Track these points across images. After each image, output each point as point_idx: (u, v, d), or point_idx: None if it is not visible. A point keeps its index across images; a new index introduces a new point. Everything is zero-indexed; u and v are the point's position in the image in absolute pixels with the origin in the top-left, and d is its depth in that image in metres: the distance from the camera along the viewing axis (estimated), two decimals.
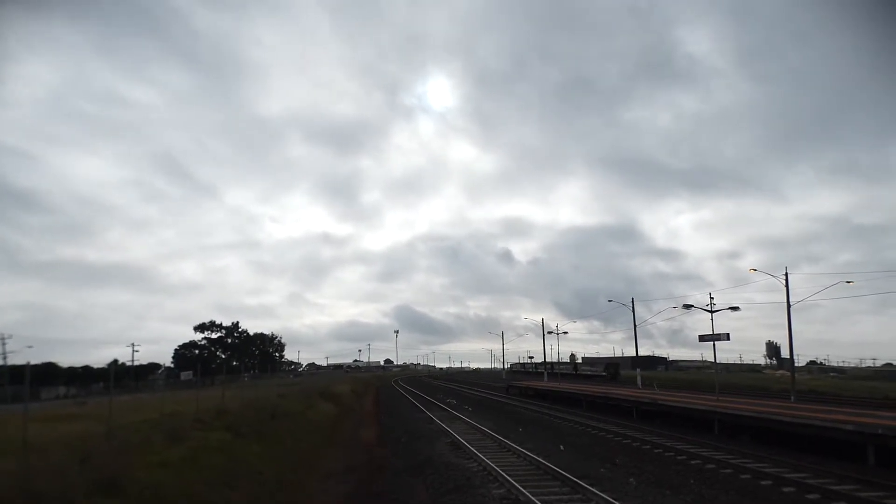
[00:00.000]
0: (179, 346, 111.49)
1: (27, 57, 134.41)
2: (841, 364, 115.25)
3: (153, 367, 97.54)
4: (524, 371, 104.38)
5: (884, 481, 11.85)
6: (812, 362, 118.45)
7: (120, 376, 71.38)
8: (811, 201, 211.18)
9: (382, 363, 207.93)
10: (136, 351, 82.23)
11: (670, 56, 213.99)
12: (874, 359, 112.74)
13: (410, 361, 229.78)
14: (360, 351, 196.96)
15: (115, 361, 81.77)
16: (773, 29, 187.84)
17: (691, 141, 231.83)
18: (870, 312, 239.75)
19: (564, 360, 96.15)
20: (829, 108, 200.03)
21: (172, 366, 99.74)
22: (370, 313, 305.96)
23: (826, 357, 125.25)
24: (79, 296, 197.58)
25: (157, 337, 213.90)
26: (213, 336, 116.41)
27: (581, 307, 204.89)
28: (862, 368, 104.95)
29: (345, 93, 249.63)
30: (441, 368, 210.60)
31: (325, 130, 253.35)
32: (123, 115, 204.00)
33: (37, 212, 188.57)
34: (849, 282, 32.81)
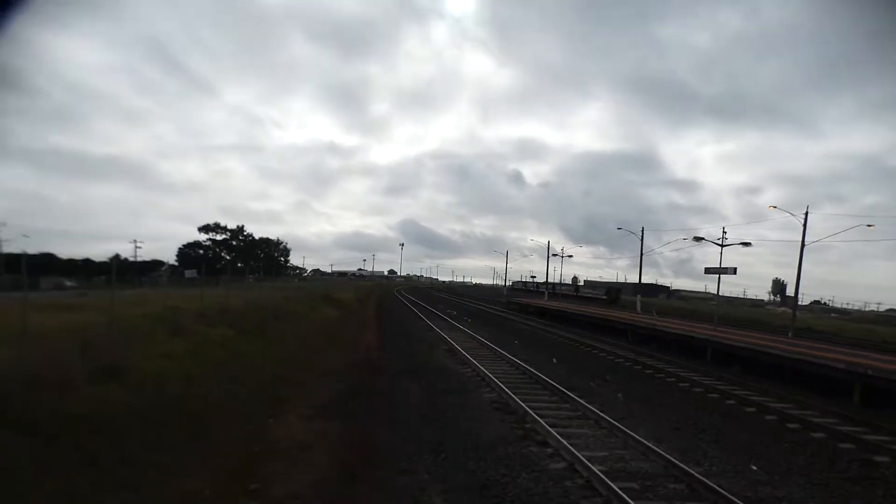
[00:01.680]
0: (183, 245, 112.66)
1: None
2: (845, 306, 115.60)
3: (156, 263, 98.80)
4: (525, 289, 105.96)
5: (864, 418, 12.04)
6: (816, 302, 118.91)
7: (122, 271, 72.19)
8: (847, 138, 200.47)
9: (386, 273, 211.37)
10: (139, 247, 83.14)
11: None
12: (879, 303, 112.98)
13: (414, 273, 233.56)
14: (364, 260, 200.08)
15: (118, 256, 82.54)
16: None
17: (727, 64, 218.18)
18: (884, 257, 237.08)
19: (567, 283, 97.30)
20: (882, 35, 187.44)
21: (176, 264, 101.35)
22: (375, 225, 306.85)
23: (831, 298, 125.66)
24: (73, 187, 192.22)
25: (157, 235, 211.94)
26: (218, 238, 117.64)
27: (588, 233, 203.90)
28: (865, 312, 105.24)
29: None
30: (444, 282, 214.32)
31: (329, 29, 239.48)
32: None
33: (19, 93, 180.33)
34: (869, 225, 32.22)
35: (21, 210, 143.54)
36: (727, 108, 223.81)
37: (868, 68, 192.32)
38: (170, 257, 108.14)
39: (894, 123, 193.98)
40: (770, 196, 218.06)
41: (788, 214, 33.57)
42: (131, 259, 78.71)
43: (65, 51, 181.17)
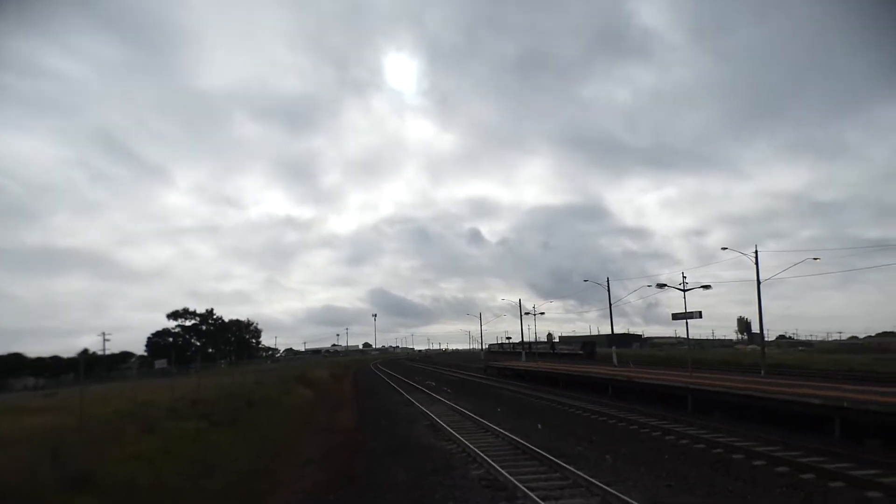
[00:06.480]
0: (152, 333, 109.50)
1: None
2: (809, 338, 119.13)
3: (125, 355, 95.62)
4: (502, 351, 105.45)
5: (849, 453, 12.22)
6: (781, 336, 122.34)
7: (91, 366, 69.70)
8: (770, 178, 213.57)
9: (361, 347, 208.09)
10: (108, 340, 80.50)
11: (626, 30, 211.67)
12: (840, 332, 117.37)
13: (389, 345, 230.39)
14: (338, 335, 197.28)
15: (86, 351, 79.89)
16: (728, 5, 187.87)
17: (650, 118, 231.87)
18: (835, 287, 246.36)
19: (542, 340, 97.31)
20: (783, 85, 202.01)
21: (146, 354, 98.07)
22: (344, 297, 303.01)
23: (794, 331, 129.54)
24: (39, 283, 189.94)
25: (124, 325, 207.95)
26: (187, 323, 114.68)
27: (555, 287, 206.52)
28: (828, 342, 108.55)
29: (291, 67, 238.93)
30: (419, 351, 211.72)
31: (273, 107, 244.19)
32: (52, 89, 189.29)
33: None
34: (815, 258, 33.61)
35: None
36: (658, 157, 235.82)
37: (776, 115, 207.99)
38: (139, 348, 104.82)
39: (808, 163, 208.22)
40: (716, 237, 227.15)
41: (740, 254, 34.72)
42: (100, 353, 75.88)
43: (18, 149, 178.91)
